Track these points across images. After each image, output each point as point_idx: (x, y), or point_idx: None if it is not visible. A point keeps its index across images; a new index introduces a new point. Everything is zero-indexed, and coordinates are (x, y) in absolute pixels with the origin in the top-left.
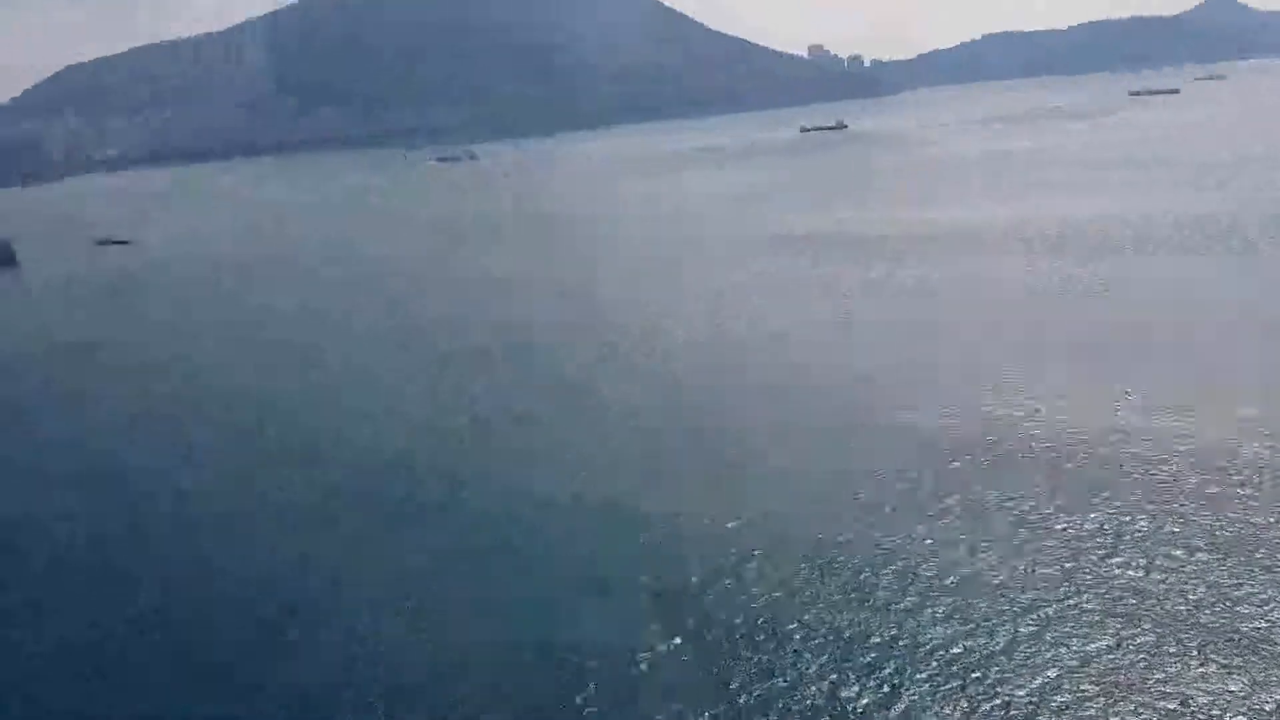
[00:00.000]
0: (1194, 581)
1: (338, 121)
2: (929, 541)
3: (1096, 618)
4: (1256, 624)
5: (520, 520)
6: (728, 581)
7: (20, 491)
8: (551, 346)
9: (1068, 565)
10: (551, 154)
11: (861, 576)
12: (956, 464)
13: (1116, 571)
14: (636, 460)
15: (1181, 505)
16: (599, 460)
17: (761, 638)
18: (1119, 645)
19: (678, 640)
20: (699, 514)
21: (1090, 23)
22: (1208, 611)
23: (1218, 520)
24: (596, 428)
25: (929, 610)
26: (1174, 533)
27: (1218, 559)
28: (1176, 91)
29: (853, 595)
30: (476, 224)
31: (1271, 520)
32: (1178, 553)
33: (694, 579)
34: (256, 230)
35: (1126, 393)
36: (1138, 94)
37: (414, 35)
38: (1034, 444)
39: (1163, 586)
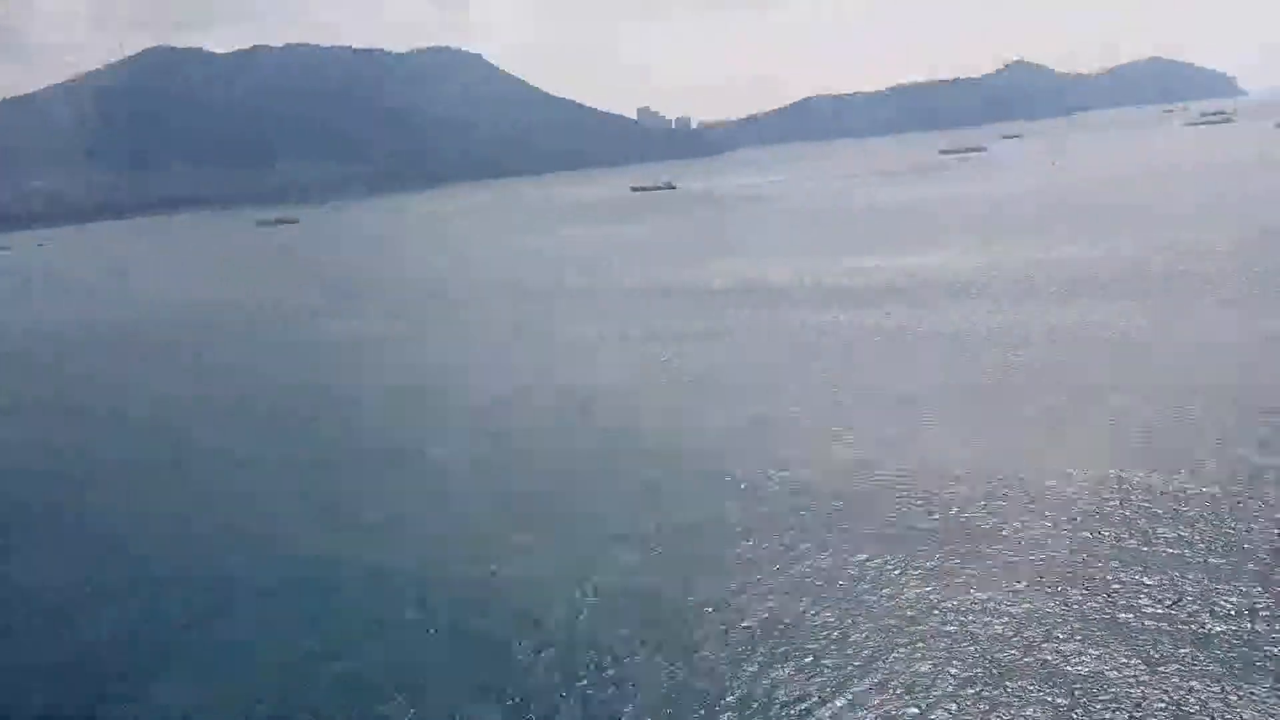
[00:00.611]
0: (1022, 626)
1: (178, 183)
2: (768, 593)
3: (933, 665)
4: (1077, 663)
5: (359, 591)
6: (561, 633)
7: None
8: (390, 408)
9: (908, 614)
10: (384, 214)
11: (693, 629)
12: (805, 513)
13: (951, 618)
14: (483, 522)
15: (1012, 549)
16: (445, 527)
17: (583, 684)
18: (961, 690)
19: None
20: (545, 575)
21: (901, 86)
22: (1038, 651)
23: (1042, 559)
24: (442, 493)
25: (760, 664)
26: (1000, 576)
27: (1042, 600)
28: (984, 149)
29: (683, 647)
30: (295, 287)
31: (1094, 559)
32: (1002, 596)
33: (531, 635)
34: (52, 303)
35: (951, 437)
36: (947, 152)
37: (262, 98)
38: (873, 491)
39: (993, 633)
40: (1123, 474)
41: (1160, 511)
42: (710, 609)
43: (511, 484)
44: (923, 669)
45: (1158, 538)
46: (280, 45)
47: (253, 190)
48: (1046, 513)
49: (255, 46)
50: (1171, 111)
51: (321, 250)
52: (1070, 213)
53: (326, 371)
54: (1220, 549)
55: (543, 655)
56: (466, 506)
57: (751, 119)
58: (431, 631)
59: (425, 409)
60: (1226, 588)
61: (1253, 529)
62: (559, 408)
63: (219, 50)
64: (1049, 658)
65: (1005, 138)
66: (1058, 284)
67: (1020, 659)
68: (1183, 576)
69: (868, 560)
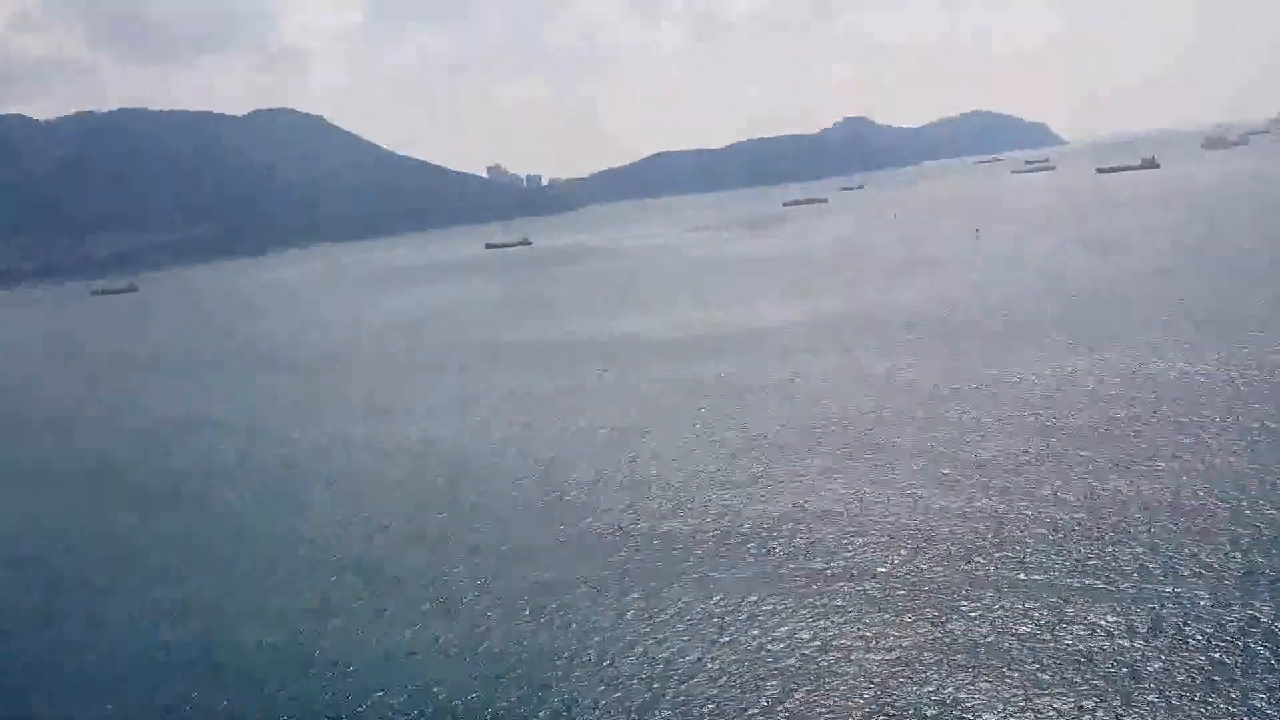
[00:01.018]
0: (911, 658)
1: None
2: (659, 641)
3: (831, 701)
4: (970, 691)
5: (198, 669)
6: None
7: None
8: (230, 478)
9: (801, 653)
10: (231, 280)
11: (583, 685)
12: (684, 562)
13: (841, 655)
14: (330, 591)
15: (893, 585)
16: (293, 600)
17: None
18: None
19: None
20: (413, 640)
21: (744, 141)
22: (929, 683)
23: (923, 592)
24: (291, 564)
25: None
26: (884, 611)
27: (927, 632)
28: (825, 201)
29: (573, 704)
30: (138, 360)
31: (975, 588)
32: (889, 630)
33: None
34: None
35: (818, 480)
36: (791, 204)
37: (73, 164)
38: (749, 537)
39: (885, 667)
40: (993, 507)
41: (1031, 540)
42: (599, 663)
43: (367, 550)
44: (823, 705)
45: (1033, 565)
46: (109, 110)
47: (84, 259)
48: (921, 547)
49: (81, 111)
50: (998, 161)
51: (162, 319)
52: (914, 262)
53: (164, 447)
54: (1094, 571)
55: None
56: (316, 578)
57: (602, 175)
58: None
59: (272, 479)
60: (1103, 608)
61: (1122, 552)
62: (415, 473)
63: (43, 117)
64: (942, 686)
65: (845, 189)
66: (907, 328)
67: (914, 690)
68: (1062, 601)
69: (756, 603)
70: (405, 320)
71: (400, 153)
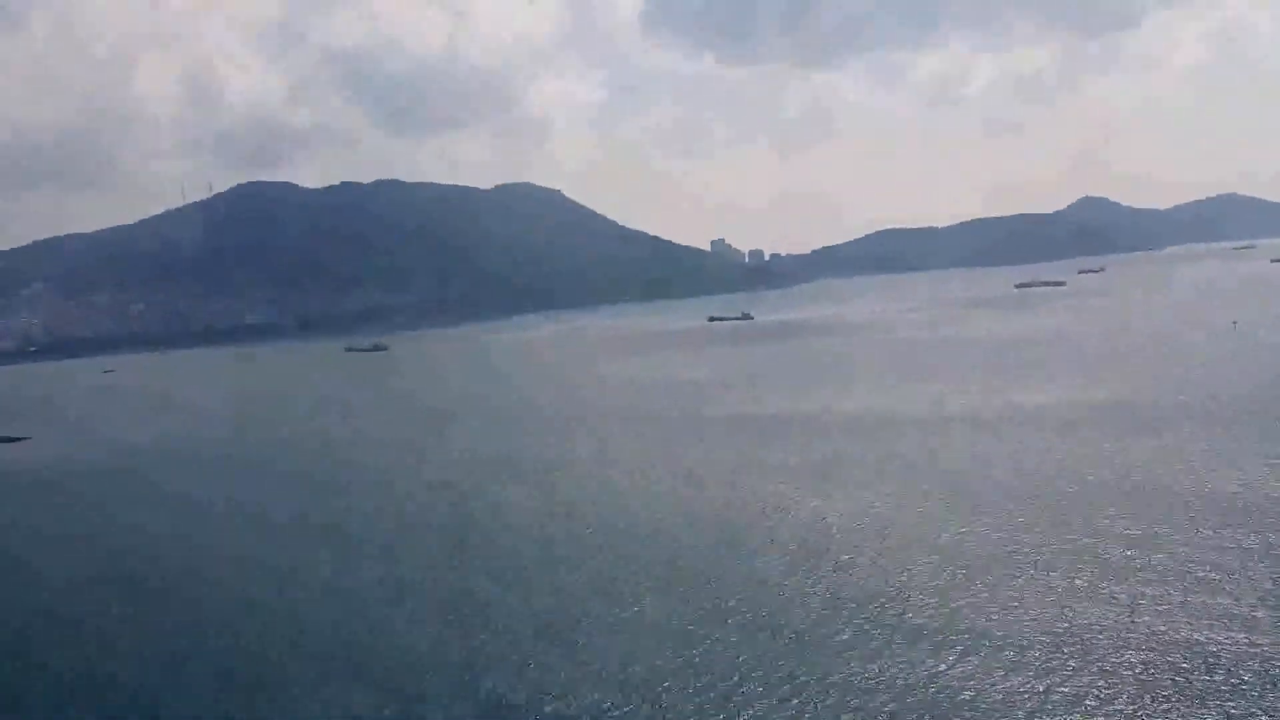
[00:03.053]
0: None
1: (265, 310)
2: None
3: None
4: None
5: None
6: None
7: None
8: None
9: None
10: (471, 342)
11: None
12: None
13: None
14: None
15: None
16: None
17: None
18: None
19: None
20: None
21: (973, 220)
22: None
23: None
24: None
25: None
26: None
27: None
28: (1063, 284)
29: None
30: (381, 416)
31: None
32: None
33: None
34: (157, 426)
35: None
36: (1024, 285)
37: (332, 231)
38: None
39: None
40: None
41: None
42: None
43: (543, 605)
44: None
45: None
46: (368, 182)
47: (337, 317)
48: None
49: (343, 182)
50: (1251, 248)
51: (415, 377)
52: (1165, 352)
53: (385, 498)
54: None
55: None
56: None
57: (824, 251)
58: None
59: (477, 533)
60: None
61: None
62: (609, 541)
63: (309, 184)
64: None
65: (1083, 272)
66: (1159, 420)
67: None
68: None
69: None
70: (629, 387)
71: (630, 226)
